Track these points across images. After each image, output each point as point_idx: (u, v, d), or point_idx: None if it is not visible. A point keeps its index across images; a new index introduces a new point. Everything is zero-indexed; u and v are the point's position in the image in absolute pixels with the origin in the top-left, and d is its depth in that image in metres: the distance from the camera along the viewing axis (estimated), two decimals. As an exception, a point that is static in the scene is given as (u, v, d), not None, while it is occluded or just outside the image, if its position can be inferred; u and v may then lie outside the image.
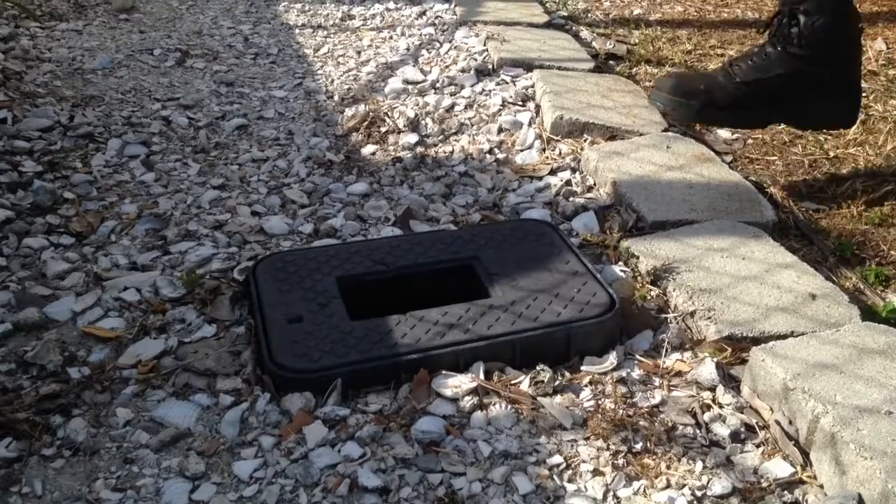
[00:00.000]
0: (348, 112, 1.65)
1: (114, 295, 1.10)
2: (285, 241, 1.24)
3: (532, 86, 1.73)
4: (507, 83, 1.76)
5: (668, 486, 0.83)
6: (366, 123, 1.61)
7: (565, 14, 2.18)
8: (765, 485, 0.83)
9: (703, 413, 0.92)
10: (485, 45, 1.93)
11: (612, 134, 1.52)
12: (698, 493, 0.82)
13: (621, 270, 1.17)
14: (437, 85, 1.77)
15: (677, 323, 1.06)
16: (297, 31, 2.05)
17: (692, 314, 1.06)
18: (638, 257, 1.17)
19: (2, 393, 0.93)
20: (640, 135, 1.51)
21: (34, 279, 1.13)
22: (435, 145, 1.55)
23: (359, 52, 1.94)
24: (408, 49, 1.96)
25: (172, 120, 1.58)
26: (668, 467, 0.85)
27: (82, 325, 1.04)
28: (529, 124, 1.59)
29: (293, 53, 1.93)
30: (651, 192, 1.32)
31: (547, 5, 2.24)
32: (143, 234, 1.24)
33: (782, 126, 1.57)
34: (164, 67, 1.81)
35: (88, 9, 2.08)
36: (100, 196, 1.33)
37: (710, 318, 1.04)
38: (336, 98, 1.73)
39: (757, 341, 0.99)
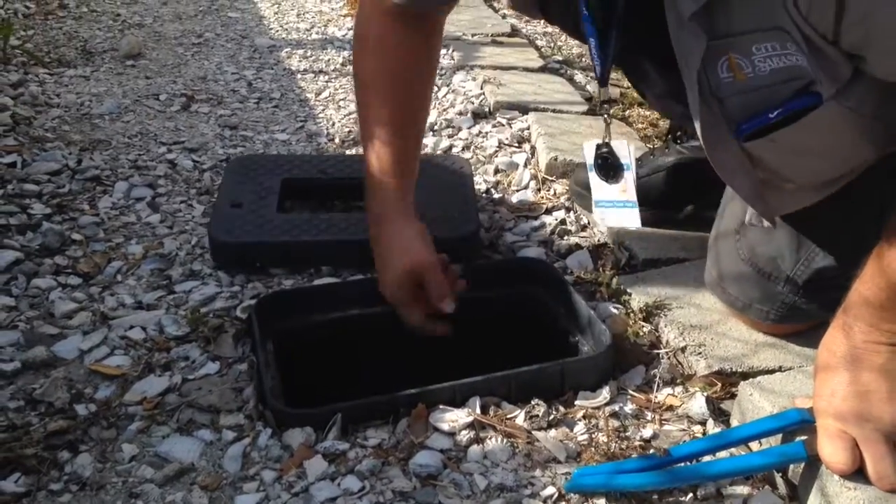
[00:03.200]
0: (348, 154, 1.69)
1: (120, 333, 1.13)
2: (287, 280, 1.27)
3: (528, 128, 1.78)
4: (503, 125, 1.81)
5: (660, 517, 0.85)
6: (365, 165, 1.65)
7: (560, 59, 2.23)
8: (754, 516, 0.86)
9: (694, 446, 0.95)
10: (482, 88, 1.98)
11: (606, 174, 1.56)
12: (689, 524, 0.84)
13: (614, 307, 1.20)
14: (436, 127, 1.82)
15: (668, 358, 1.09)
16: (299, 76, 2.10)
17: (683, 350, 1.08)
18: (630, 294, 1.21)
19: (11, 429, 0.96)
20: (633, 175, 1.55)
21: (42, 318, 1.16)
22: (433, 186, 1.59)
23: (359, 96, 1.99)
24: (407, 93, 2.01)
25: (178, 163, 1.63)
26: (661, 499, 0.87)
27: (89, 363, 1.07)
28: (525, 165, 1.63)
29: (295, 98, 1.98)
30: (643, 231, 1.36)
31: (542, 50, 2.30)
32: (148, 273, 1.28)
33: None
34: (170, 112, 1.86)
35: (96, 55, 2.14)
36: (106, 237, 1.37)
37: (700, 353, 1.07)
38: (337, 140, 1.77)
39: (746, 376, 1.02)
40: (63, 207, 1.44)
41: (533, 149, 1.69)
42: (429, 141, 1.75)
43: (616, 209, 0.98)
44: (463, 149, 1.73)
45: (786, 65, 0.76)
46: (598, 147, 0.99)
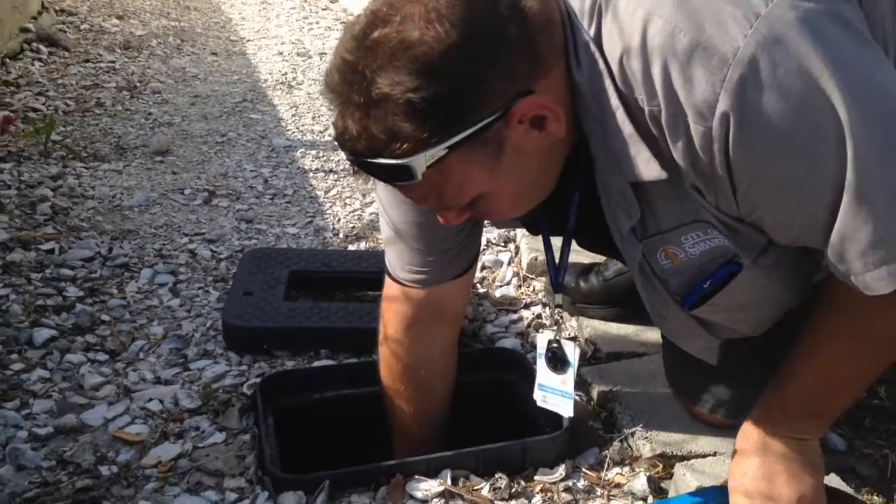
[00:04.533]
0: (351, 248, 1.88)
1: (140, 405, 1.29)
2: (289, 361, 1.43)
3: (513, 229, 1.96)
4: (490, 227, 1.99)
5: (597, 578, 0.99)
6: (366, 259, 1.84)
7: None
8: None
9: (634, 518, 1.09)
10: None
11: (581, 274, 1.73)
12: (622, 585, 0.98)
13: (577, 395, 1.35)
14: (431, 226, 2.01)
15: (620, 441, 1.23)
16: (311, 174, 2.31)
17: (633, 434, 1.23)
18: (591, 383, 1.36)
19: (43, 485, 1.11)
20: (605, 275, 1.72)
21: (73, 390, 1.33)
22: (425, 280, 1.76)
23: (363, 195, 2.19)
24: (407, 193, 2.21)
25: (198, 252, 1.81)
26: (599, 563, 1.01)
27: (113, 431, 1.23)
28: (509, 263, 1.81)
29: (307, 194, 2.18)
30: (608, 328, 1.52)
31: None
32: (167, 352, 1.44)
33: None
34: (193, 205, 2.06)
35: (128, 151, 2.36)
36: (132, 319, 1.54)
37: (647, 437, 1.22)
38: (341, 235, 1.96)
39: (683, 459, 1.17)
40: (94, 291, 1.62)
41: (517, 248, 1.87)
42: (424, 238, 1.93)
43: (555, 396, 1.15)
44: (455, 246, 1.91)
45: (711, 246, 0.93)
46: (550, 342, 1.15)
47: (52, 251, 1.74)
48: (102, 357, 1.42)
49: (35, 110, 2.56)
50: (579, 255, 1.77)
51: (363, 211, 2.10)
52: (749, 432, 1.00)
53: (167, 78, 3.00)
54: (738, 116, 0.77)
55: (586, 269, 1.60)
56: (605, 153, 0.87)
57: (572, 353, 1.13)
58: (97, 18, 3.55)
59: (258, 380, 1.34)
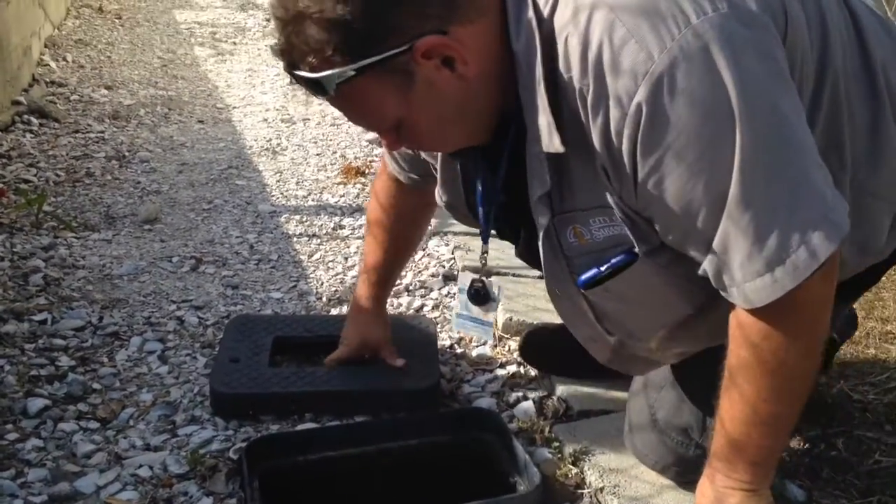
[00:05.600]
0: (333, 312, 1.95)
1: (130, 472, 1.35)
2: (273, 425, 1.49)
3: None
4: (469, 287, 2.07)
5: None
6: (348, 322, 1.91)
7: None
8: None
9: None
10: (452, 253, 2.27)
11: (554, 333, 1.81)
12: None
13: (549, 452, 1.41)
14: (410, 287, 2.09)
15: (590, 497, 1.30)
16: (295, 239, 2.39)
17: (601, 490, 1.30)
18: (562, 442, 1.43)
19: (38, 552, 1.16)
20: (577, 334, 1.80)
21: (66, 458, 1.38)
22: (406, 342, 1.83)
23: (346, 259, 2.27)
24: (388, 256, 2.29)
25: (185, 319, 1.88)
26: None
27: (104, 497, 1.29)
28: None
29: (290, 259, 2.26)
30: (580, 386, 1.59)
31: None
32: (156, 419, 1.50)
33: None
34: (181, 273, 2.13)
35: (117, 220, 2.44)
36: (122, 387, 1.60)
37: (615, 493, 1.28)
38: (324, 299, 2.04)
39: (649, 512, 1.23)
40: (86, 360, 1.68)
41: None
42: (403, 300, 2.01)
43: (475, 325, 1.27)
44: (433, 307, 1.99)
45: (615, 233, 0.99)
46: (473, 280, 1.31)
47: (44, 321, 1.80)
48: (94, 425, 1.47)
49: (27, 182, 2.64)
50: (553, 316, 1.85)
51: (345, 274, 2.18)
52: (703, 487, 1.07)
53: (155, 146, 3.10)
54: (650, 111, 0.85)
55: (557, 331, 1.68)
56: (531, 122, 0.95)
57: (496, 290, 1.24)
58: (87, 89, 3.66)
59: (244, 444, 1.40)
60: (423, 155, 1.28)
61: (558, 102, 0.92)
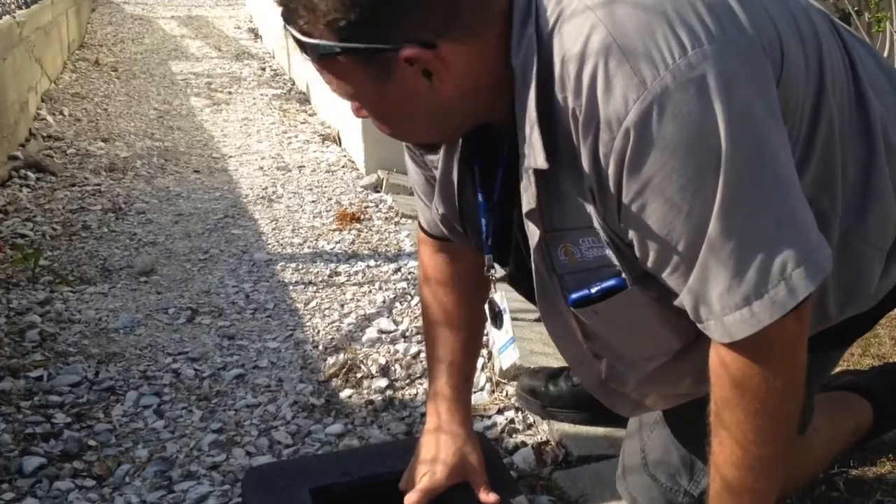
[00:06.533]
0: (330, 360, 1.95)
1: (126, 530, 1.33)
2: (271, 479, 1.48)
3: (486, 334, 2.04)
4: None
5: None
6: (344, 370, 1.91)
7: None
8: None
9: None
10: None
11: (551, 377, 1.80)
12: None
13: (549, 499, 1.40)
14: (407, 334, 2.09)
15: (590, 544, 1.29)
16: (290, 287, 2.40)
17: (602, 536, 1.29)
18: (563, 489, 1.42)
19: None
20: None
21: (61, 518, 1.37)
22: (402, 388, 1.83)
23: (342, 305, 2.27)
24: (384, 302, 2.30)
25: (181, 372, 1.88)
26: None
27: (100, 557, 1.27)
28: (482, 369, 1.88)
29: (286, 308, 2.26)
30: (578, 430, 1.59)
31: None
32: (152, 475, 1.49)
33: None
34: (177, 325, 2.13)
35: (113, 273, 2.45)
36: (118, 443, 1.59)
37: (615, 539, 1.27)
38: (321, 347, 2.03)
39: (650, 559, 1.22)
40: (81, 416, 1.67)
41: (490, 353, 1.95)
42: (400, 347, 2.01)
43: (509, 350, 1.24)
44: (430, 354, 1.98)
45: (603, 254, 0.99)
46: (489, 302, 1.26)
47: (40, 378, 1.80)
48: (90, 483, 1.46)
49: (23, 236, 2.66)
50: (549, 359, 1.85)
51: (341, 322, 2.18)
52: None
53: (151, 198, 3.12)
54: (637, 136, 0.86)
55: (555, 374, 1.68)
56: (522, 138, 0.96)
57: (501, 299, 1.23)
58: (83, 142, 3.69)
59: (240, 499, 1.38)
60: (426, 158, 1.21)
61: (551, 120, 0.93)
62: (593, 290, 1.02)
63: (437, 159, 1.16)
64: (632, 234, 0.94)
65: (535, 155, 0.94)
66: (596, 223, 0.97)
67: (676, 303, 0.94)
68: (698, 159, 0.86)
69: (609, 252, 0.99)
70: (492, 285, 1.27)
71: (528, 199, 0.99)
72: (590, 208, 0.96)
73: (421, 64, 0.92)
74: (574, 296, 1.04)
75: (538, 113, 0.93)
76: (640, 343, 1.08)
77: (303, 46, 0.94)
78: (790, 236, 0.88)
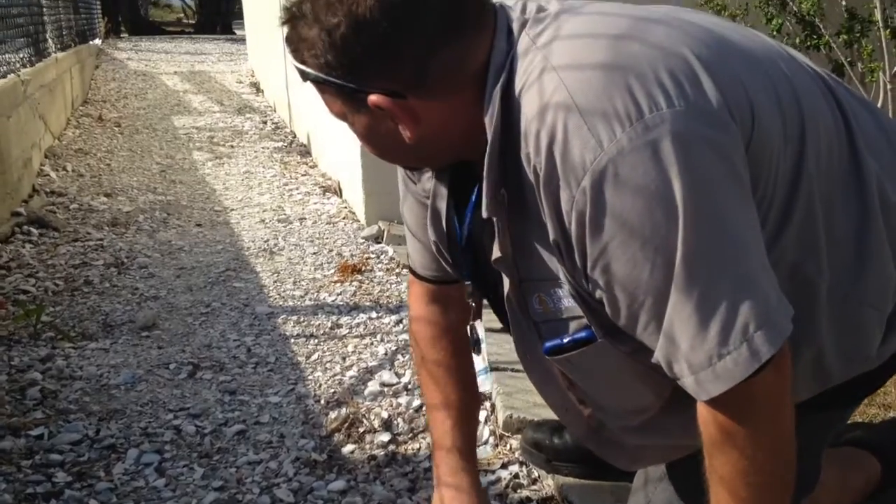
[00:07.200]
0: (332, 414, 1.94)
1: (126, 593, 1.31)
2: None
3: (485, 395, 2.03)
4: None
5: None
6: (346, 424, 1.90)
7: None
8: None
9: None
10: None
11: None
12: None
13: None
14: (409, 386, 2.08)
15: None
16: (292, 340, 2.40)
17: None
18: (568, 543, 1.40)
19: None
20: (578, 429, 1.78)
21: (60, 581, 1.35)
22: (405, 442, 1.82)
23: (344, 358, 2.27)
24: (386, 354, 2.30)
25: (182, 429, 1.86)
26: None
27: None
28: (485, 422, 1.87)
29: (288, 361, 2.26)
30: (583, 484, 1.57)
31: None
32: (153, 536, 1.47)
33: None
34: (178, 380, 2.12)
35: (115, 328, 2.45)
36: (119, 502, 1.58)
37: None
38: (322, 401, 2.02)
39: None
40: (82, 475, 1.66)
41: (492, 406, 1.94)
42: (403, 400, 2.00)
43: (483, 376, 1.27)
44: (433, 407, 1.97)
45: (574, 305, 1.00)
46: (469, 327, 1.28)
47: (41, 436, 1.79)
48: (89, 545, 1.45)
49: (25, 292, 2.66)
50: (550, 411, 1.84)
51: (343, 375, 2.17)
52: None
53: (153, 252, 3.13)
54: (594, 198, 0.88)
55: (560, 426, 1.67)
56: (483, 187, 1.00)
57: (480, 329, 1.23)
58: (86, 197, 3.73)
59: (243, 559, 1.37)
60: (419, 179, 1.23)
61: (519, 175, 0.96)
62: (565, 340, 1.04)
63: (428, 179, 1.20)
64: (599, 293, 0.95)
65: (484, 204, 0.99)
66: (562, 276, 0.99)
67: (653, 360, 0.95)
68: (655, 221, 0.87)
69: (577, 304, 1.00)
70: (471, 312, 1.29)
71: (496, 248, 1.02)
72: (557, 262, 0.98)
73: (386, 111, 0.97)
74: (548, 344, 1.06)
75: (498, 168, 0.97)
76: (619, 395, 1.09)
77: (298, 70, 1.02)
78: (750, 298, 0.88)
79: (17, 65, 4.20)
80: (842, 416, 1.23)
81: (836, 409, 1.16)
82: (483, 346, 1.29)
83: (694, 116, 0.89)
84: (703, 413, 0.94)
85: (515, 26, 1.00)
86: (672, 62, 0.91)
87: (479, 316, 1.27)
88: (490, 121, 0.97)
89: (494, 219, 1.00)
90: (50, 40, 5.44)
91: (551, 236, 0.96)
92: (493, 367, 2.11)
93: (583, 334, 1.02)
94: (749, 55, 1.00)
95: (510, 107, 0.96)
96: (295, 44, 1.00)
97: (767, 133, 0.95)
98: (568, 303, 1.01)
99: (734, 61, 0.97)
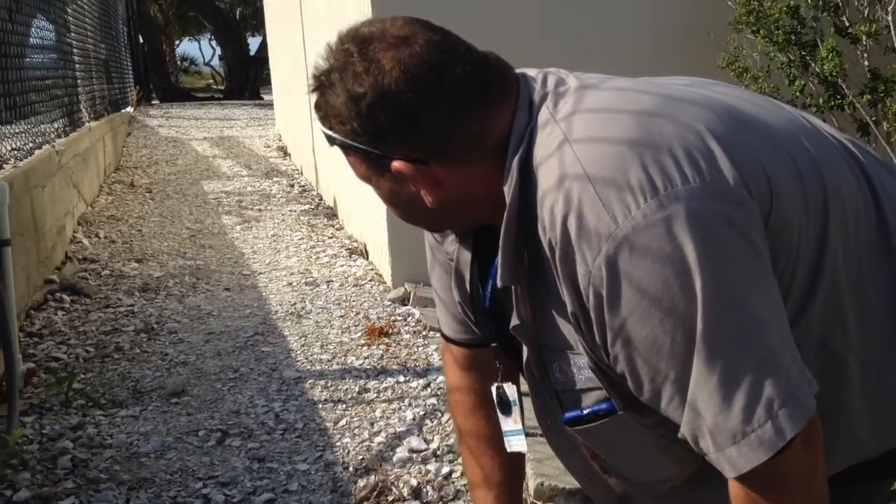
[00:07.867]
0: (360, 483, 1.93)
1: None
2: None
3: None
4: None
5: None
6: (375, 493, 1.88)
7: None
8: None
9: None
10: (479, 414, 2.24)
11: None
12: None
13: None
14: (438, 453, 2.06)
15: None
16: (320, 405, 2.39)
17: None
18: None
19: None
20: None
21: None
22: (435, 511, 1.80)
23: (372, 424, 2.26)
24: (413, 419, 2.28)
25: (211, 498, 1.86)
26: None
27: None
28: (516, 489, 1.84)
29: (316, 427, 2.25)
30: (617, 552, 1.53)
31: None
32: None
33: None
34: (207, 447, 2.12)
35: (145, 395, 2.46)
36: (147, 575, 1.57)
37: None
38: (351, 469, 2.01)
39: None
40: (111, 547, 1.65)
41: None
42: (432, 467, 1.98)
43: (514, 437, 1.24)
44: (461, 474, 1.95)
45: (593, 376, 0.98)
46: (497, 388, 1.25)
47: (71, 507, 1.79)
48: None
49: (57, 359, 2.69)
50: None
51: (371, 441, 2.16)
52: None
53: (183, 317, 3.17)
54: (610, 275, 0.87)
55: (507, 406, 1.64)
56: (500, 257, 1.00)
57: (513, 392, 1.20)
58: (118, 263, 3.79)
59: None
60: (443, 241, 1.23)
61: (537, 248, 0.96)
62: (585, 412, 1.03)
63: (451, 242, 1.20)
64: (621, 367, 0.95)
65: (499, 274, 0.99)
66: (580, 348, 0.98)
67: (679, 435, 0.94)
68: (671, 297, 0.87)
69: (595, 376, 0.99)
70: (498, 374, 1.28)
71: (514, 316, 1.02)
72: (575, 333, 0.98)
73: (409, 177, 0.99)
74: (567, 415, 1.04)
75: (517, 237, 0.98)
76: (642, 466, 1.07)
77: (325, 135, 1.05)
78: (773, 375, 0.87)
79: (52, 135, 4.32)
80: (881, 489, 1.20)
81: (876, 482, 1.14)
82: (515, 408, 1.28)
83: (710, 193, 0.89)
84: (734, 488, 0.93)
85: (536, 98, 1.02)
86: (688, 138, 0.92)
87: (509, 378, 1.27)
88: (508, 190, 0.98)
89: (513, 287, 1.01)
90: (84, 110, 5.60)
91: (569, 309, 0.96)
92: (526, 433, 2.09)
93: (603, 406, 1.01)
94: (767, 129, 1.00)
95: (528, 178, 0.97)
96: (322, 111, 1.03)
97: (788, 207, 0.95)
98: (588, 374, 1.01)
99: (751, 136, 0.97)
